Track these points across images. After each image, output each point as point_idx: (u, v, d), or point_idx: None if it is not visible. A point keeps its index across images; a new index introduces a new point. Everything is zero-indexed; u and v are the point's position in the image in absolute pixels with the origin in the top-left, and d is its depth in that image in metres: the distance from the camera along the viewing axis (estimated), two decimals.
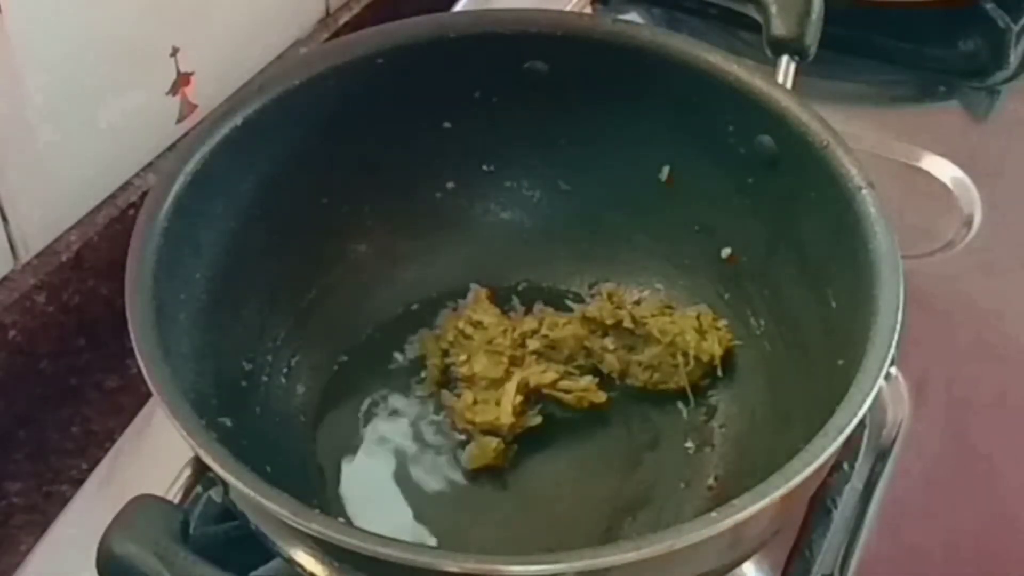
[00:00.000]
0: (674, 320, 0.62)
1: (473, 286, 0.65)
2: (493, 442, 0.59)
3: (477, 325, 0.62)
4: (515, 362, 0.61)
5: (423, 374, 0.63)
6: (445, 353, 0.63)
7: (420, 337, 0.64)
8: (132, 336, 0.49)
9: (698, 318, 0.62)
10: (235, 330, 0.57)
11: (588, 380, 0.62)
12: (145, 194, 0.55)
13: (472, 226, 0.66)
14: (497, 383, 0.60)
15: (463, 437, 0.60)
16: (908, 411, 0.64)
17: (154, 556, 0.44)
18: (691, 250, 0.64)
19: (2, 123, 0.61)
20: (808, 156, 0.56)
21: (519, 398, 0.60)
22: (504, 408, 0.59)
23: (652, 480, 0.60)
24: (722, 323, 0.62)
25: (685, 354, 0.61)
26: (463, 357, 0.62)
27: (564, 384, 0.61)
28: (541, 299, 0.66)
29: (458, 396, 0.61)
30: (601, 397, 0.61)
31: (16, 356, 0.65)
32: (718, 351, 0.61)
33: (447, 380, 0.62)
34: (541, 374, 0.61)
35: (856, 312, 0.51)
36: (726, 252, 0.63)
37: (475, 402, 0.60)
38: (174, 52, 0.69)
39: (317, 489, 0.59)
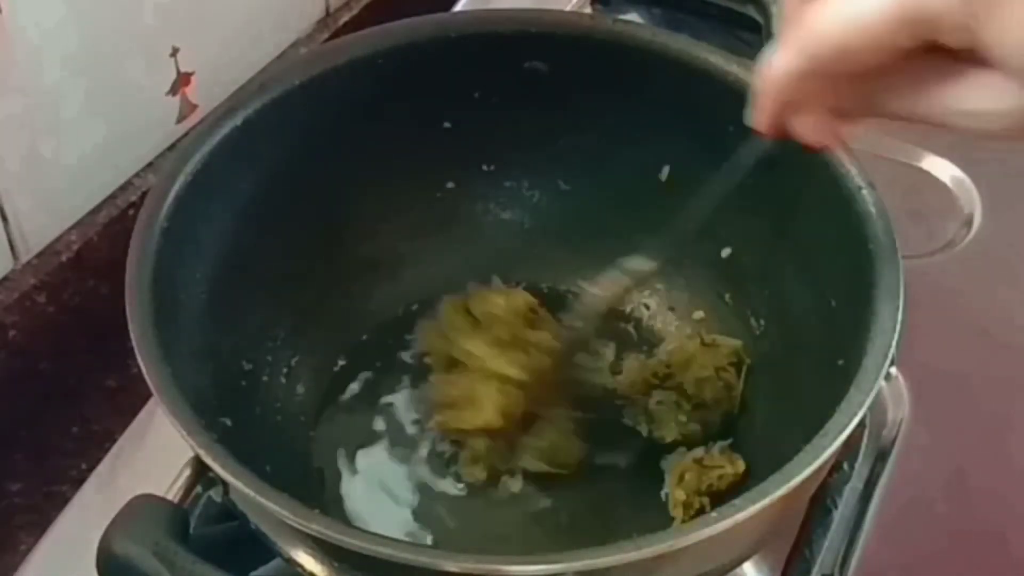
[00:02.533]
0: (702, 364, 0.61)
1: (472, 285, 0.65)
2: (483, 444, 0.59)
3: (482, 307, 0.62)
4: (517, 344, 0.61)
5: (425, 374, 0.63)
6: (446, 338, 0.62)
7: (420, 329, 0.64)
8: (132, 336, 0.49)
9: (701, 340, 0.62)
10: (235, 330, 0.57)
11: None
12: (145, 194, 0.55)
13: (472, 226, 0.67)
14: (488, 372, 0.60)
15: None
16: (908, 411, 0.64)
17: (154, 556, 0.44)
18: (691, 250, 0.64)
19: (2, 123, 0.61)
20: (808, 156, 0.56)
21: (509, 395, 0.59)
22: (485, 410, 0.59)
23: (652, 480, 0.60)
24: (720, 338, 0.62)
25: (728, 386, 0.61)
26: (464, 336, 0.61)
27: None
28: (541, 299, 0.66)
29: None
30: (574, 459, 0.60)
31: (16, 356, 0.65)
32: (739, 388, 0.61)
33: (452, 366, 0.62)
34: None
35: (856, 312, 0.51)
36: (726, 252, 0.63)
37: (454, 405, 0.60)
38: (174, 52, 0.69)
39: (317, 489, 0.59)
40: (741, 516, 0.44)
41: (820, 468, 0.46)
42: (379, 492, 0.60)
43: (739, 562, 0.51)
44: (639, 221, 0.65)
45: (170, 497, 0.48)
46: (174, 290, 0.53)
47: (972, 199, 0.75)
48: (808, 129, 0.45)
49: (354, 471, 0.60)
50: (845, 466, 0.61)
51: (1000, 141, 0.41)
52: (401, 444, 0.61)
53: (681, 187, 0.63)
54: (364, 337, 0.65)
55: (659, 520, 0.58)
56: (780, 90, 0.44)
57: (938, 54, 0.39)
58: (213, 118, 0.57)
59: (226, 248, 0.57)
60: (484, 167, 0.66)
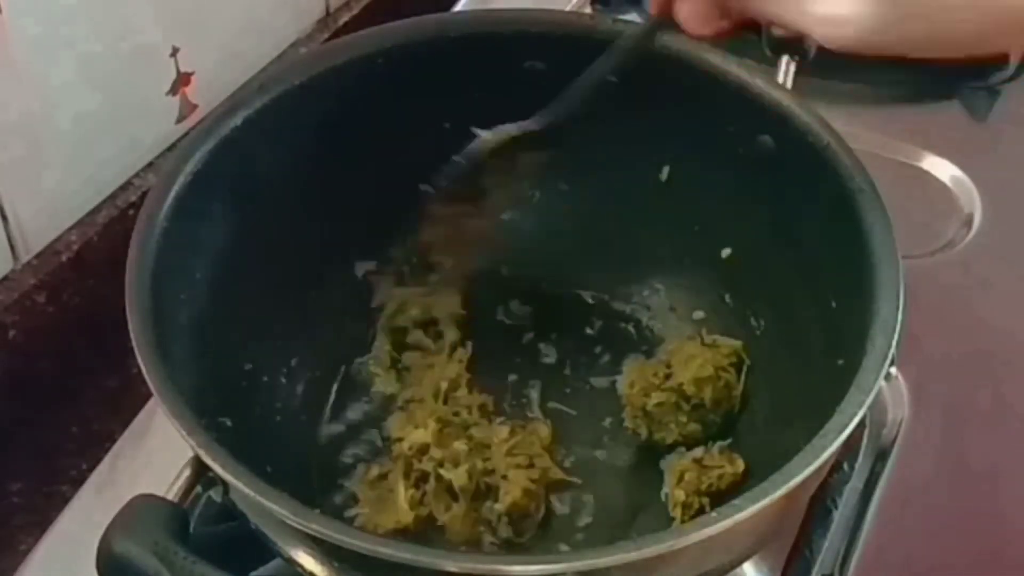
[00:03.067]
0: (702, 363, 0.61)
1: None
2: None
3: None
4: None
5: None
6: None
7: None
8: (132, 336, 0.49)
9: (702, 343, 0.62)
10: (235, 330, 0.57)
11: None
12: (145, 194, 0.55)
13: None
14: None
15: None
16: (908, 411, 0.64)
17: (154, 556, 0.44)
18: (691, 250, 0.64)
19: (1, 123, 0.61)
20: (808, 156, 0.56)
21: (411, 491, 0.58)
22: (400, 506, 0.58)
23: (652, 480, 0.60)
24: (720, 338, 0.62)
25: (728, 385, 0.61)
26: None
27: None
28: (541, 299, 0.66)
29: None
30: None
31: (16, 356, 0.65)
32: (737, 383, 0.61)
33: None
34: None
35: (856, 312, 0.51)
36: (726, 252, 0.63)
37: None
38: (174, 52, 0.69)
39: (317, 489, 0.59)
40: (741, 516, 0.44)
41: (820, 468, 0.46)
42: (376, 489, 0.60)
43: (739, 562, 0.51)
44: (639, 221, 0.65)
45: (170, 497, 0.48)
46: (174, 290, 0.53)
47: (972, 199, 0.75)
48: (689, 16, 0.49)
49: (352, 468, 0.60)
50: (845, 466, 0.61)
51: (851, 50, 0.42)
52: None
53: (681, 187, 0.63)
54: (364, 337, 0.65)
55: (659, 520, 0.58)
56: None
57: None
58: (213, 118, 0.57)
59: (226, 248, 0.57)
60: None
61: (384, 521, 0.57)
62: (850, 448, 0.62)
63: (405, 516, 0.57)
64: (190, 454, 0.48)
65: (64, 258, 0.66)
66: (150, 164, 0.71)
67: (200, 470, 0.48)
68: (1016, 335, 0.68)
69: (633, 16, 0.85)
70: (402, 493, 0.57)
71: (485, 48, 0.62)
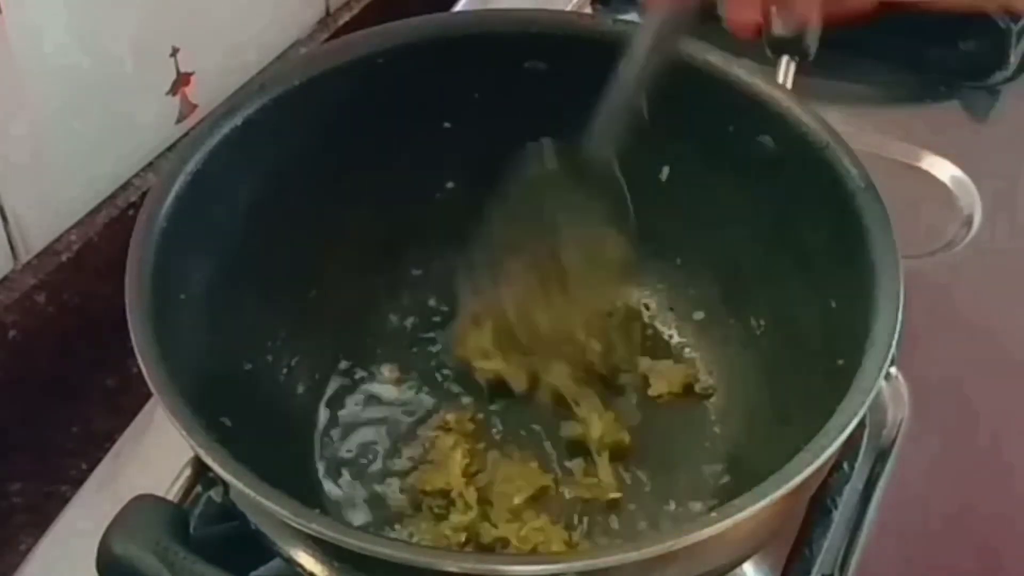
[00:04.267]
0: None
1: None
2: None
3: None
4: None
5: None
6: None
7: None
8: (132, 336, 0.49)
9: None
10: (235, 330, 0.57)
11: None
12: (145, 194, 0.55)
13: (472, 226, 0.66)
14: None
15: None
16: (908, 411, 0.64)
17: (154, 556, 0.44)
18: (691, 250, 0.64)
19: (1, 123, 0.61)
20: (808, 156, 0.56)
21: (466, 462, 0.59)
22: (453, 472, 0.59)
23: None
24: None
25: None
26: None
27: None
28: None
29: None
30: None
31: (16, 356, 0.65)
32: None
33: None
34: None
35: (856, 312, 0.51)
36: (726, 252, 0.63)
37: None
38: (174, 52, 0.69)
39: (317, 489, 0.59)
40: (741, 516, 0.44)
41: (820, 468, 0.46)
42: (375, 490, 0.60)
43: (739, 562, 0.51)
44: (639, 221, 0.65)
45: (170, 497, 0.48)
46: (174, 290, 0.53)
47: (972, 199, 0.75)
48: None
49: (352, 469, 0.60)
50: (845, 466, 0.61)
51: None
52: (399, 444, 0.61)
53: (681, 187, 0.63)
54: (363, 337, 0.65)
55: None
56: None
57: None
58: (213, 118, 0.57)
59: (226, 248, 0.57)
60: (484, 167, 0.66)
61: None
62: (850, 448, 0.62)
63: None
64: (190, 454, 0.48)
65: (64, 258, 0.66)
66: (150, 164, 0.71)
67: (200, 470, 0.48)
68: (1016, 335, 0.68)
69: (633, 16, 0.85)
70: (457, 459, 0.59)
71: (485, 48, 0.62)
